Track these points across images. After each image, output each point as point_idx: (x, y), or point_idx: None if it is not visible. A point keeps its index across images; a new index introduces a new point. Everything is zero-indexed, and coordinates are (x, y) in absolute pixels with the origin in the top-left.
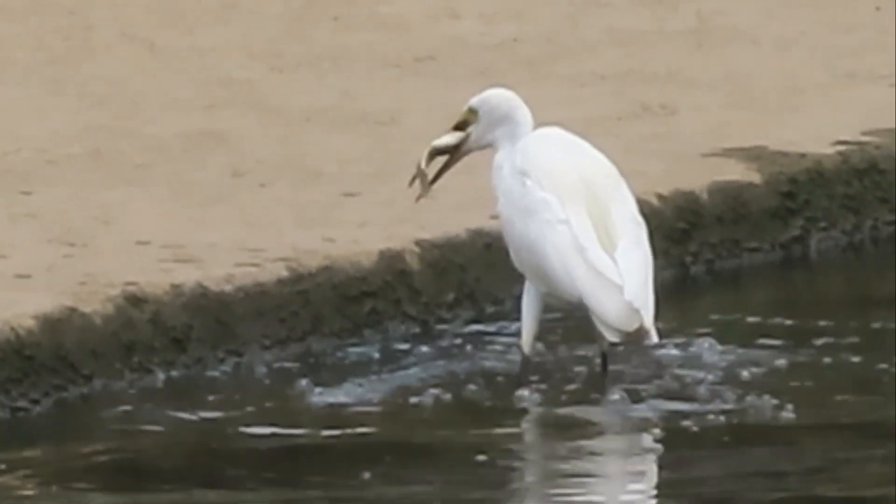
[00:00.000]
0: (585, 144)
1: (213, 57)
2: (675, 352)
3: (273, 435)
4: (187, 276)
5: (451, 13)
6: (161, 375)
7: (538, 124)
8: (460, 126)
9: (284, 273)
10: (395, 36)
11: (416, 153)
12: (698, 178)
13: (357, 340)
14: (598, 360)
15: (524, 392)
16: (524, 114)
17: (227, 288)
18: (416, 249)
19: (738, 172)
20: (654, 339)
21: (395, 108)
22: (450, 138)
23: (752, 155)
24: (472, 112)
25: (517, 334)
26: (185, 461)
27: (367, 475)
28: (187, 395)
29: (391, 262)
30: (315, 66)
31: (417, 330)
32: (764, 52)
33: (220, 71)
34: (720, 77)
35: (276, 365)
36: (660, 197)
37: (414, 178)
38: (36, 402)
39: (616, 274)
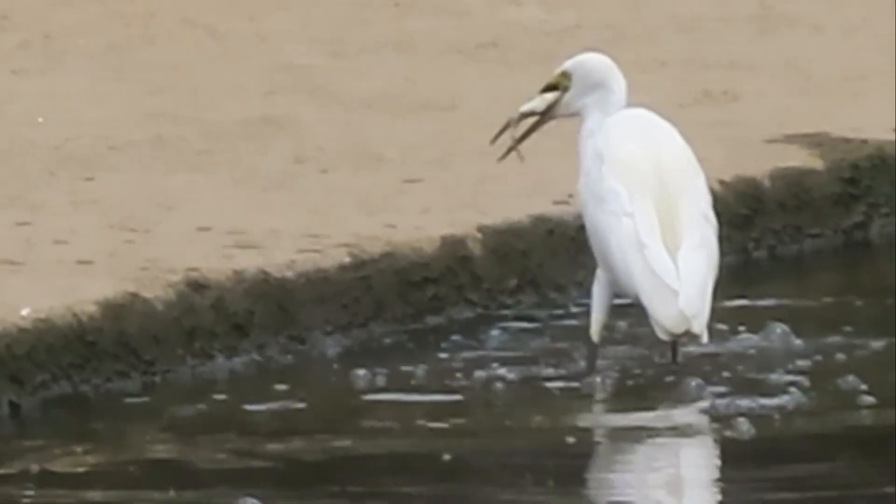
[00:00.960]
0: (670, 131)
1: (275, 43)
2: (748, 336)
3: (334, 425)
4: (249, 262)
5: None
6: (222, 361)
7: None
8: (550, 88)
9: (346, 259)
10: (456, 22)
11: (477, 139)
12: (760, 164)
13: (419, 326)
14: (669, 348)
15: (594, 379)
16: (619, 83)
17: (289, 274)
18: (478, 235)
19: (799, 158)
20: (705, 340)
21: (456, 94)
22: (539, 103)
23: (814, 141)
24: (565, 76)
25: (586, 321)
26: (244, 451)
27: (446, 457)
28: (248, 381)
29: (453, 248)
30: (377, 52)
31: (479, 315)
32: (826, 39)
33: (282, 57)
34: (782, 63)
35: (338, 351)
36: (722, 183)
37: (499, 135)
38: (98, 387)
39: (673, 278)
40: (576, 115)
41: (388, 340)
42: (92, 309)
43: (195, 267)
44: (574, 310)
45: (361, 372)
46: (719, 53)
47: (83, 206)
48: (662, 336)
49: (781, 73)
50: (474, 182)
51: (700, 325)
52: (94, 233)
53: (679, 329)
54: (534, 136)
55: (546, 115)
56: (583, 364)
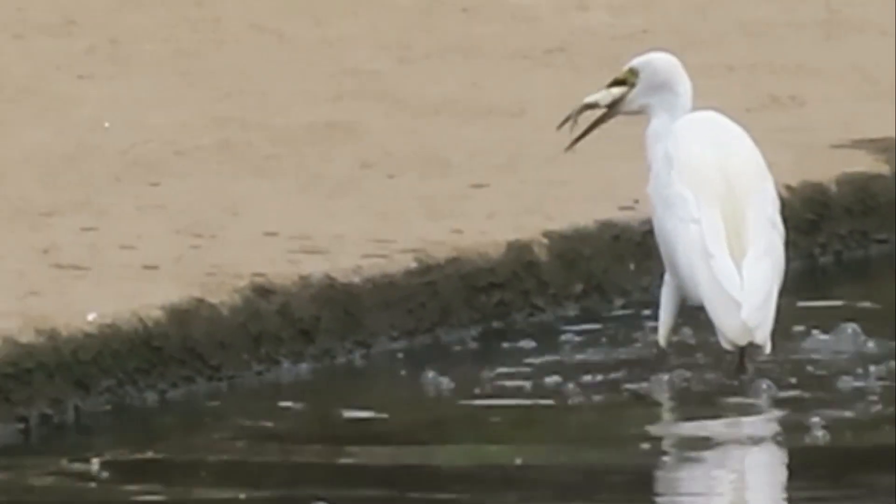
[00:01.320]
0: (740, 133)
1: (342, 48)
2: (821, 336)
3: (402, 430)
4: (315, 268)
5: (581, 4)
6: (288, 367)
7: None
8: (617, 83)
9: (412, 264)
10: (524, 27)
11: (544, 144)
12: (827, 169)
13: (484, 331)
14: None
15: (663, 385)
16: (685, 86)
17: (355, 279)
18: (544, 240)
19: (866, 164)
20: (768, 350)
21: (523, 100)
22: (604, 96)
23: (881, 146)
24: (633, 73)
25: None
26: (312, 455)
27: (518, 461)
28: (314, 386)
29: (519, 253)
30: (444, 57)
31: (545, 321)
32: (893, 43)
33: (349, 62)
34: (849, 68)
35: (404, 356)
36: (788, 188)
37: (563, 123)
38: (164, 392)
39: (737, 289)
40: (639, 113)
41: (454, 346)
42: (158, 314)
43: (261, 272)
44: (641, 314)
45: (430, 376)
46: (786, 58)
47: (149, 212)
48: (726, 346)
49: (848, 78)
50: (540, 187)
51: (763, 336)
52: (161, 238)
53: (742, 341)
54: (599, 138)
55: (611, 110)
56: (652, 370)
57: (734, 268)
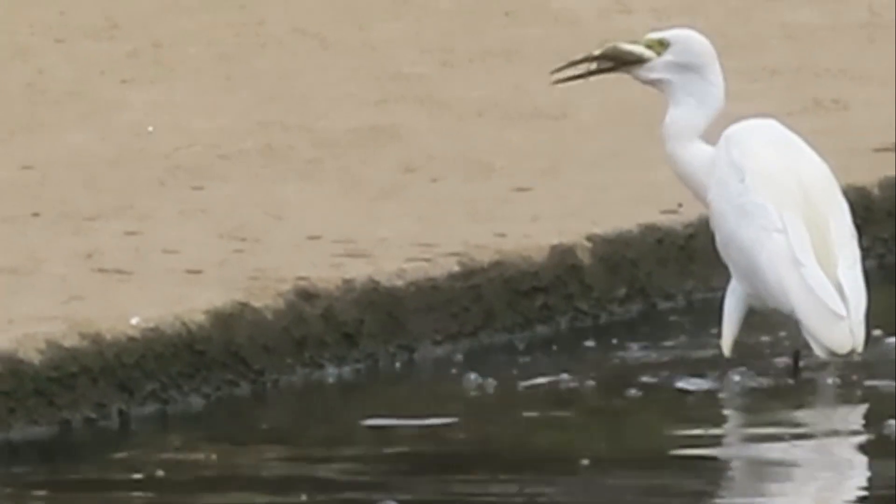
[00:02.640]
0: (802, 144)
1: (385, 52)
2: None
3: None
4: (358, 271)
5: (623, 8)
6: (332, 370)
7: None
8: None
9: (456, 268)
10: (566, 30)
11: (587, 148)
12: (870, 173)
13: (530, 335)
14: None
15: (728, 387)
16: (718, 77)
17: (399, 283)
18: (588, 244)
19: None
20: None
21: (566, 103)
22: (636, 49)
23: None
24: (663, 44)
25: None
26: (356, 462)
27: (585, 462)
28: (358, 390)
29: (562, 257)
30: (486, 60)
31: (589, 324)
32: None
33: (392, 66)
34: (892, 71)
35: (446, 359)
36: None
37: (574, 63)
38: (207, 396)
39: (835, 300)
40: (651, 84)
41: (497, 349)
42: (201, 318)
43: (304, 276)
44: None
45: (472, 377)
46: (829, 62)
47: (192, 216)
48: (823, 355)
49: (891, 82)
50: (583, 191)
51: (861, 345)
52: (204, 242)
53: (844, 350)
54: (642, 141)
55: (621, 66)
56: (709, 375)
57: (825, 277)
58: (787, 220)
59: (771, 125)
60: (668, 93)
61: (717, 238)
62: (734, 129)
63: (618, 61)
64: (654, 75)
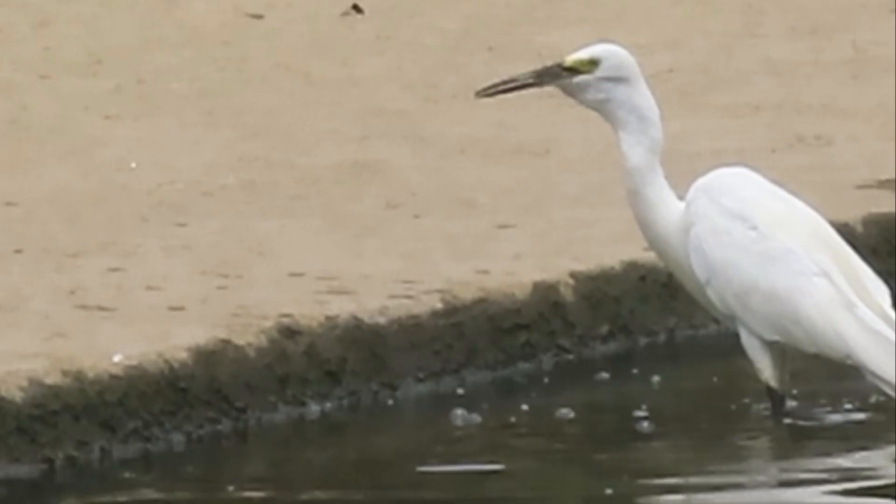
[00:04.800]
0: (779, 189)
1: (368, 87)
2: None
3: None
4: (342, 308)
5: (606, 43)
6: (315, 408)
7: (692, 155)
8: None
9: (439, 305)
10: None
11: (570, 185)
12: (853, 209)
13: (512, 372)
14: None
15: (781, 422)
16: (645, 86)
17: (382, 320)
18: (571, 281)
19: (892, 204)
20: None
21: (549, 139)
22: (563, 82)
23: None
24: (593, 62)
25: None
26: (342, 497)
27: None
28: (341, 428)
29: (545, 294)
30: (470, 96)
31: (571, 361)
32: None
33: (375, 101)
34: (875, 108)
35: (430, 397)
36: None
37: (502, 85)
38: (189, 434)
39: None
40: (591, 106)
41: (479, 387)
42: (184, 355)
43: (287, 313)
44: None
45: (459, 412)
46: (812, 98)
47: (175, 252)
48: (893, 393)
49: (874, 118)
50: (566, 227)
51: None
52: (187, 279)
53: None
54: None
55: (554, 79)
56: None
57: (874, 314)
58: (821, 262)
59: (747, 173)
60: (608, 112)
61: (728, 290)
62: (712, 179)
63: (548, 74)
64: (591, 94)
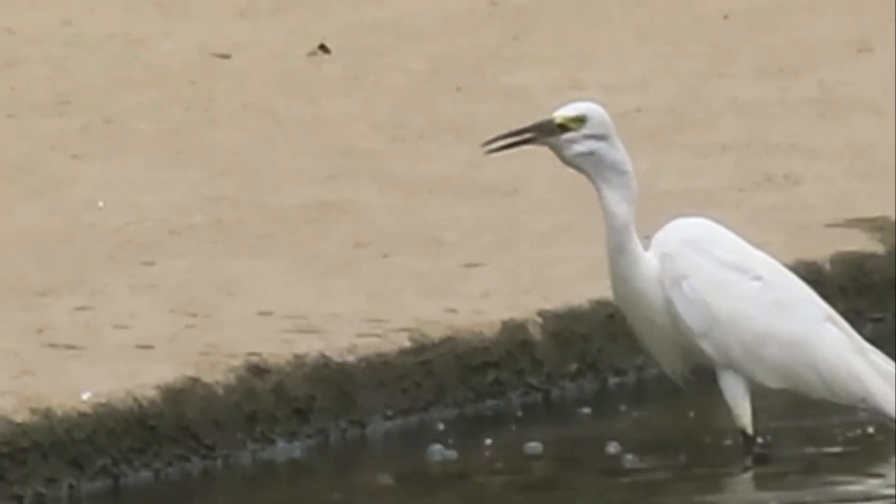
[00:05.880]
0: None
1: (336, 127)
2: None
3: None
4: (310, 347)
5: (575, 83)
6: (283, 446)
7: (660, 195)
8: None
9: (407, 343)
10: (518, 106)
11: (538, 224)
12: (821, 248)
13: (479, 410)
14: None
15: (752, 471)
16: (619, 143)
17: (350, 358)
18: (539, 320)
19: (860, 243)
20: None
21: (518, 179)
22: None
23: (876, 225)
24: (581, 120)
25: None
26: None
27: None
28: (309, 467)
29: (514, 332)
30: (438, 136)
31: (540, 400)
32: (887, 122)
33: (343, 141)
34: (843, 147)
35: (398, 435)
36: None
37: (507, 135)
38: (158, 472)
39: None
40: (575, 162)
41: (446, 425)
42: (152, 393)
43: (256, 352)
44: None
45: (435, 449)
46: (780, 137)
47: (143, 291)
48: None
49: (842, 157)
50: (534, 266)
51: None
52: (155, 317)
53: None
54: (593, 218)
55: (545, 137)
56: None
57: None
58: (826, 309)
59: (711, 222)
60: (591, 167)
61: (735, 340)
62: (691, 231)
63: (543, 130)
64: (578, 148)
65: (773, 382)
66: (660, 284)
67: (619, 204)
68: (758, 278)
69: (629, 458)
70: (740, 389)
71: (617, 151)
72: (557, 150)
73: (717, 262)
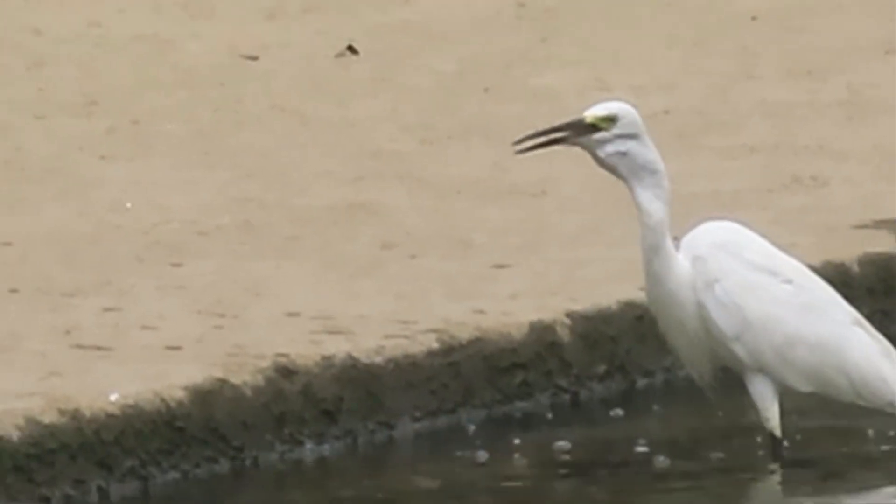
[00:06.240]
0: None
1: (364, 128)
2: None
3: None
4: (338, 348)
5: (602, 85)
6: (311, 447)
7: (688, 196)
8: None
9: (435, 345)
10: (545, 107)
11: (566, 225)
12: (849, 249)
13: (507, 412)
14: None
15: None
16: (650, 141)
17: (378, 360)
18: (567, 321)
19: (888, 244)
20: None
21: (545, 180)
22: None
23: None
24: (611, 120)
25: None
26: None
27: None
28: (337, 468)
29: (542, 333)
30: (466, 137)
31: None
32: None
33: (371, 143)
34: (870, 149)
35: (426, 437)
36: (811, 269)
37: (538, 134)
38: (186, 473)
39: None
40: (608, 162)
41: (474, 426)
42: (180, 394)
43: (284, 352)
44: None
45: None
46: (808, 139)
47: (171, 292)
48: None
49: (870, 159)
50: (563, 268)
51: None
52: (183, 318)
53: None
54: (622, 219)
55: (578, 137)
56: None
57: None
58: (853, 312)
59: (739, 226)
60: (624, 166)
61: (766, 343)
62: (721, 235)
63: (574, 129)
64: (610, 148)
65: (802, 385)
66: (691, 287)
67: (652, 202)
68: (788, 281)
69: (659, 459)
70: (769, 392)
71: (649, 150)
72: (590, 150)
73: (748, 265)
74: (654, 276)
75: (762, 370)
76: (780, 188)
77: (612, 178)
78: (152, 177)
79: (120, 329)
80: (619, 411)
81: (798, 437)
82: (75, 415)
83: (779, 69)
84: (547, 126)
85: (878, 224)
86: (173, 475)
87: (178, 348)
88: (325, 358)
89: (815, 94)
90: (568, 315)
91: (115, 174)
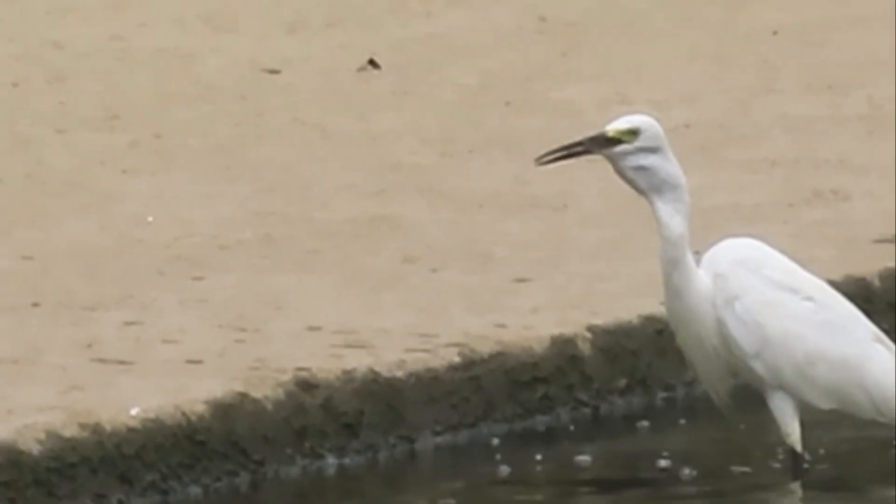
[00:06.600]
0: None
1: (385, 142)
2: None
3: None
4: (359, 362)
5: (623, 99)
6: (332, 461)
7: (709, 210)
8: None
9: (456, 359)
10: (566, 121)
11: (588, 239)
12: (870, 264)
13: (528, 426)
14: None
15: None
16: (672, 155)
17: (399, 373)
18: (588, 335)
19: None
20: None
21: (567, 193)
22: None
23: None
24: (634, 133)
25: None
26: None
27: None
28: (358, 483)
29: (563, 347)
30: (487, 151)
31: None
32: None
33: (392, 156)
34: (891, 163)
35: (448, 451)
36: (831, 283)
37: (560, 149)
38: (207, 487)
39: None
40: (629, 174)
41: (497, 440)
42: (201, 408)
43: (305, 366)
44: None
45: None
46: (829, 153)
47: (192, 306)
48: None
49: (891, 173)
50: (584, 281)
51: None
52: (204, 332)
53: None
54: (643, 233)
55: (601, 148)
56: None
57: None
58: (873, 329)
59: (759, 243)
60: (645, 180)
61: (787, 360)
62: (741, 252)
63: (595, 143)
64: (631, 162)
65: (822, 403)
66: (710, 303)
67: (672, 216)
68: (809, 298)
69: (682, 473)
70: (789, 409)
71: (670, 164)
72: (613, 161)
73: (768, 282)
74: (673, 290)
75: (782, 387)
76: (801, 202)
77: (634, 192)
78: (174, 191)
79: (141, 343)
80: (642, 424)
81: (821, 451)
82: (96, 429)
83: (800, 83)
84: (568, 141)
85: None
86: (194, 489)
87: (199, 362)
88: (346, 372)
89: (836, 109)
90: (589, 329)
91: (137, 188)
